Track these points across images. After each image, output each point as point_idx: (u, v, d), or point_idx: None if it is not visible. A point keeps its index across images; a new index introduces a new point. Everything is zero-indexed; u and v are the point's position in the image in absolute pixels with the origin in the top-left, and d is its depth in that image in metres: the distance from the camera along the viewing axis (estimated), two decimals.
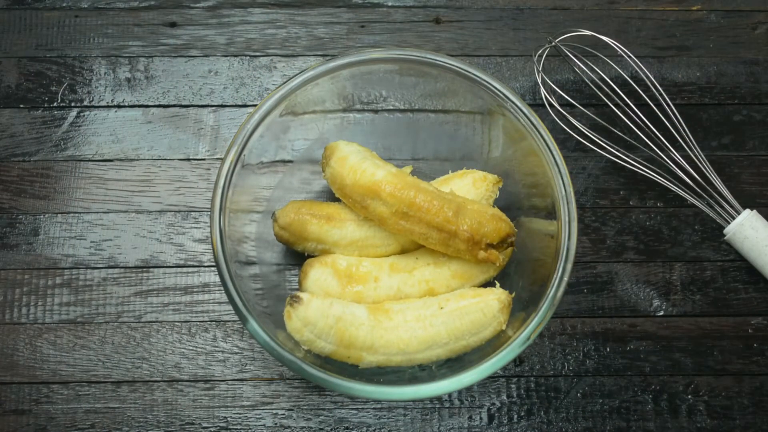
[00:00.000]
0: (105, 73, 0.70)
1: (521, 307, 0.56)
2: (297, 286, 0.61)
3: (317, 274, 0.57)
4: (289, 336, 0.54)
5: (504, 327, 0.55)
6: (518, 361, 0.63)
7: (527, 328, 0.51)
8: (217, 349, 0.62)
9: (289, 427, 0.60)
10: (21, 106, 0.69)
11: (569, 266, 0.52)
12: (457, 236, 0.54)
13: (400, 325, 0.55)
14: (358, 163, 0.57)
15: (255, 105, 0.70)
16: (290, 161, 0.63)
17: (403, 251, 0.60)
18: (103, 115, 0.69)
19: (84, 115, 0.69)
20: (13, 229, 0.65)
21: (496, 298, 0.55)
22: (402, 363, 0.55)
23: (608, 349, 0.63)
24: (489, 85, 0.56)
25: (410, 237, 0.56)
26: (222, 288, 0.52)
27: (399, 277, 0.57)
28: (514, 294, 0.56)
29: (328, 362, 0.54)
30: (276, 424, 0.60)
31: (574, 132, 0.67)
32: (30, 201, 0.66)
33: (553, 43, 0.68)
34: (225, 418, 0.60)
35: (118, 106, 0.69)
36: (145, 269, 0.64)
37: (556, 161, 0.54)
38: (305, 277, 0.58)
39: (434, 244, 0.56)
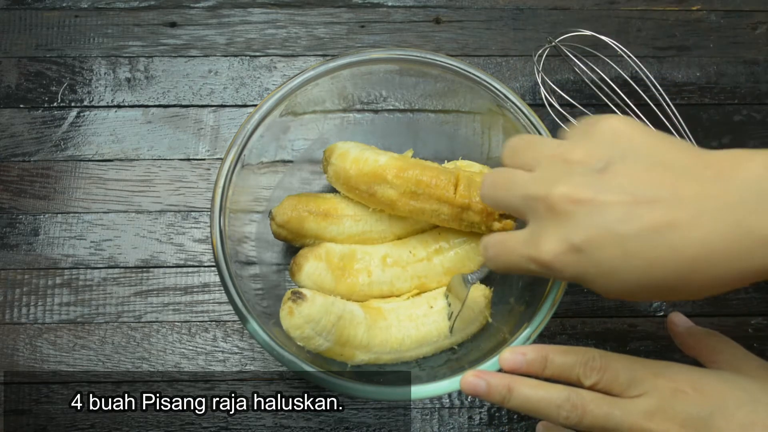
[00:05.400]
0: (105, 73, 0.70)
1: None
2: (297, 286, 0.61)
3: (311, 268, 0.57)
4: (284, 332, 0.53)
5: (489, 320, 0.57)
6: None
7: (527, 328, 0.51)
8: (217, 349, 0.62)
9: (289, 427, 0.60)
10: (21, 106, 0.69)
11: None
12: (470, 208, 0.54)
13: (393, 325, 0.55)
14: (359, 154, 0.57)
15: (255, 105, 0.70)
16: (290, 161, 0.63)
17: (397, 239, 0.60)
18: (103, 115, 0.69)
19: (84, 115, 0.69)
20: (13, 229, 0.65)
21: (481, 293, 0.56)
22: (390, 361, 0.56)
23: (608, 349, 0.63)
24: (489, 85, 0.56)
25: (421, 217, 0.56)
26: (222, 288, 0.52)
27: (392, 272, 0.58)
28: (492, 289, 0.58)
29: (318, 359, 0.54)
30: (276, 424, 0.60)
31: None
32: (30, 201, 0.66)
33: (553, 43, 0.68)
34: (225, 418, 0.60)
35: (118, 106, 0.69)
36: (145, 269, 0.64)
37: None
38: (299, 270, 0.57)
39: (446, 220, 0.56)
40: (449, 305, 0.56)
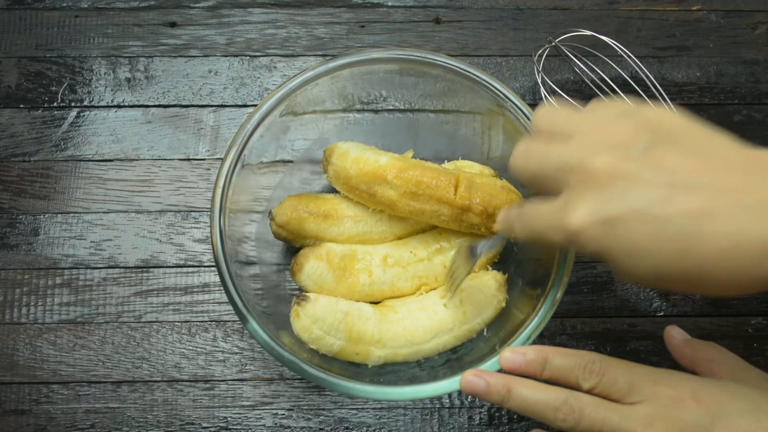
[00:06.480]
0: (105, 73, 0.70)
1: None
2: (297, 286, 0.61)
3: (312, 267, 0.57)
4: (295, 338, 0.54)
5: (504, 305, 0.56)
6: None
7: (527, 328, 0.51)
8: (217, 349, 0.62)
9: (289, 427, 0.60)
10: (21, 106, 0.69)
11: (569, 266, 0.52)
12: (470, 210, 0.55)
13: (405, 317, 0.55)
14: (360, 154, 0.57)
15: (255, 105, 0.70)
16: (290, 161, 0.63)
17: (398, 239, 0.60)
18: (103, 115, 0.69)
19: (84, 115, 0.69)
20: (13, 229, 0.65)
21: (492, 277, 0.57)
22: (409, 356, 0.55)
23: (608, 349, 0.63)
24: (489, 85, 0.56)
25: (421, 218, 0.56)
26: (222, 288, 0.52)
27: (393, 272, 0.58)
28: (506, 275, 0.58)
29: (334, 363, 0.54)
30: (276, 424, 0.60)
31: None
32: (30, 201, 0.66)
33: (553, 43, 0.68)
34: (225, 418, 0.60)
35: (118, 106, 0.69)
36: (145, 269, 0.64)
37: None
38: (299, 270, 0.57)
39: (446, 221, 0.56)
40: (452, 274, 0.55)
